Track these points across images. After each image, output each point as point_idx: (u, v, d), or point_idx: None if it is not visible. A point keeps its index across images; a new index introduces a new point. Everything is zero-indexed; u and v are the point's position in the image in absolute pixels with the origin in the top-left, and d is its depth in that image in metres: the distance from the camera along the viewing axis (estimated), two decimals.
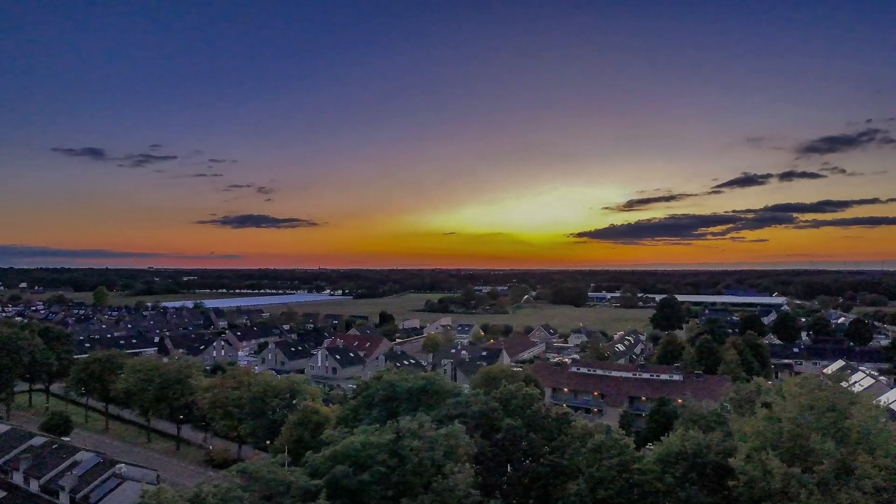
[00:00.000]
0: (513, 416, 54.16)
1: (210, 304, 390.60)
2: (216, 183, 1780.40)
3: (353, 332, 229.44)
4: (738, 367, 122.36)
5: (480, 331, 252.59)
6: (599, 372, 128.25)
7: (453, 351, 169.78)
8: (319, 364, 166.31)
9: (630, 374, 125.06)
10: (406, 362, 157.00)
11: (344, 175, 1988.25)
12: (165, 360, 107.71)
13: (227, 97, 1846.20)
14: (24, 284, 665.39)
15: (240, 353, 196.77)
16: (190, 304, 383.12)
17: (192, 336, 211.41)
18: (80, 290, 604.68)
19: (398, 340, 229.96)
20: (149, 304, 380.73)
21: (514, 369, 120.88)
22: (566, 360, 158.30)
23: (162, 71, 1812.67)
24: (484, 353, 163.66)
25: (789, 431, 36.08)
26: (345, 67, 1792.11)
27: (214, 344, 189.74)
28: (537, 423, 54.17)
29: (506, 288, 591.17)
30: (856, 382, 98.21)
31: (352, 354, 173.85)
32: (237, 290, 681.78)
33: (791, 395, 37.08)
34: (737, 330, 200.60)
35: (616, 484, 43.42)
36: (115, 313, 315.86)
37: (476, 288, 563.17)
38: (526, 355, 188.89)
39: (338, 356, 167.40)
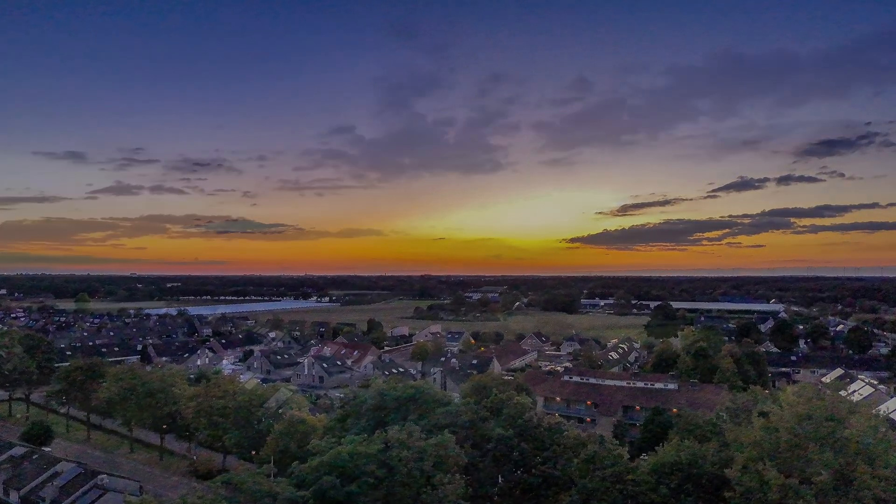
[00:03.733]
0: (504, 426, 53.97)
1: (194, 311, 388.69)
2: (200, 187, 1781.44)
3: (340, 339, 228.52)
4: (735, 376, 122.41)
5: (471, 338, 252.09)
6: (592, 381, 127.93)
7: (443, 359, 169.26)
8: (306, 373, 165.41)
9: (624, 383, 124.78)
10: (394, 371, 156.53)
11: (331, 179, 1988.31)
12: (148, 368, 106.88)
13: (210, 100, 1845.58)
14: (3, 291, 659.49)
15: (224, 361, 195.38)
16: (174, 311, 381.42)
17: (176, 344, 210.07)
18: (61, 297, 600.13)
19: (386, 348, 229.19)
20: (131, 311, 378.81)
21: (506, 378, 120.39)
22: (558, 368, 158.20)
23: (144, 73, 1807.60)
24: (474, 362, 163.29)
25: (787, 441, 36.03)
26: (330, 67, 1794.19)
27: (199, 352, 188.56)
28: (529, 432, 54.00)
29: (497, 294, 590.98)
30: (855, 391, 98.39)
31: (339, 363, 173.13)
32: (222, 297, 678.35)
33: (788, 405, 37.05)
34: (733, 337, 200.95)
35: (609, 495, 43.23)
36: (97, 320, 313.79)
37: (466, 294, 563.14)
38: (517, 363, 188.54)
39: (325, 364, 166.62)
